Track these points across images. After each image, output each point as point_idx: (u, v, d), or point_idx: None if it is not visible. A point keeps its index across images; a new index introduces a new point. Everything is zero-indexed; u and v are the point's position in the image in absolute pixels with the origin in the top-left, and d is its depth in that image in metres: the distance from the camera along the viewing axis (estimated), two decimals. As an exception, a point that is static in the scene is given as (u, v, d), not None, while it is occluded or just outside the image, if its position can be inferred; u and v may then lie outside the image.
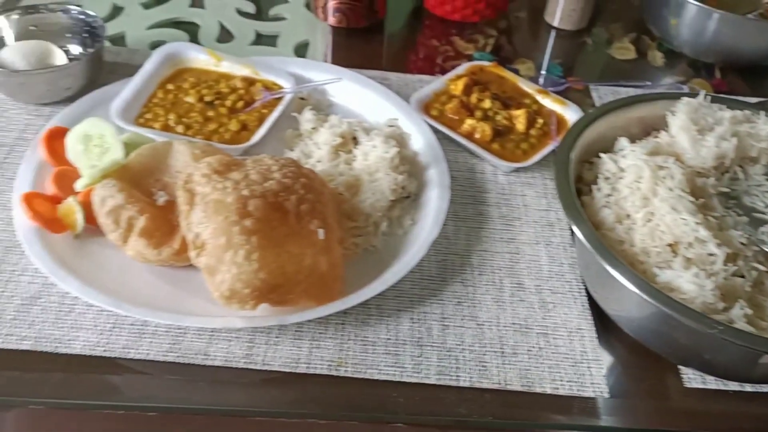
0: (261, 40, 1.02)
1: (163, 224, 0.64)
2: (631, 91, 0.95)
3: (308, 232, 0.62)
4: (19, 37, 0.85)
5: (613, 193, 0.67)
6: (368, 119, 0.84)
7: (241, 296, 0.58)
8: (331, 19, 1.03)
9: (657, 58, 1.06)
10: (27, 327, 0.61)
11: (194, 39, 1.00)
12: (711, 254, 0.60)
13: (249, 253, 0.58)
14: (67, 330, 0.62)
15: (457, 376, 0.62)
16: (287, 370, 0.61)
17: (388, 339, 0.64)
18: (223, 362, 0.61)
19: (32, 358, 0.60)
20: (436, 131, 0.81)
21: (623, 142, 0.71)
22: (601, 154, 0.70)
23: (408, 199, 0.75)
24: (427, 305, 0.67)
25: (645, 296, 0.55)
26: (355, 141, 0.78)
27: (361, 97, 0.86)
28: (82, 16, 0.87)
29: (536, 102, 0.88)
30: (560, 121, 0.85)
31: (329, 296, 0.62)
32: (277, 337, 0.63)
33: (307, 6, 1.08)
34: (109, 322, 0.62)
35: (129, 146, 0.70)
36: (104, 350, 0.60)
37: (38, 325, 0.62)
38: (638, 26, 1.12)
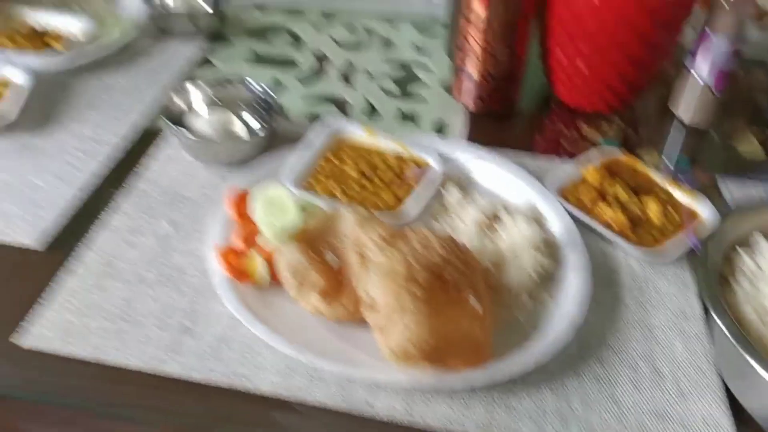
0: (403, 116, 1.12)
1: (335, 283, 0.73)
2: (760, 186, 0.98)
3: (464, 302, 0.69)
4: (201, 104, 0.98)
5: (752, 290, 0.71)
6: (507, 198, 0.91)
7: (409, 355, 0.65)
8: (469, 103, 1.12)
9: (784, 155, 1.09)
10: (218, 362, 0.71)
11: (343, 112, 1.11)
12: None
13: (417, 317, 0.65)
14: (252, 368, 0.70)
15: (599, 452, 0.66)
16: (441, 426, 0.67)
17: (530, 408, 0.69)
18: (385, 413, 0.68)
19: (221, 393, 0.69)
20: (571, 215, 0.87)
21: (760, 240, 0.75)
22: (739, 249, 0.74)
23: (547, 277, 0.81)
24: (567, 380, 0.72)
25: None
26: (496, 219, 0.86)
27: (501, 176, 0.93)
28: (258, 90, 0.99)
29: (667, 193, 0.93)
30: (691, 213, 0.89)
31: (481, 359, 0.69)
32: (431, 395, 0.69)
33: (446, 89, 1.18)
34: (282, 365, 0.71)
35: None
36: (283, 390, 0.68)
37: (227, 362, 0.71)
38: (765, 121, 1.15)
